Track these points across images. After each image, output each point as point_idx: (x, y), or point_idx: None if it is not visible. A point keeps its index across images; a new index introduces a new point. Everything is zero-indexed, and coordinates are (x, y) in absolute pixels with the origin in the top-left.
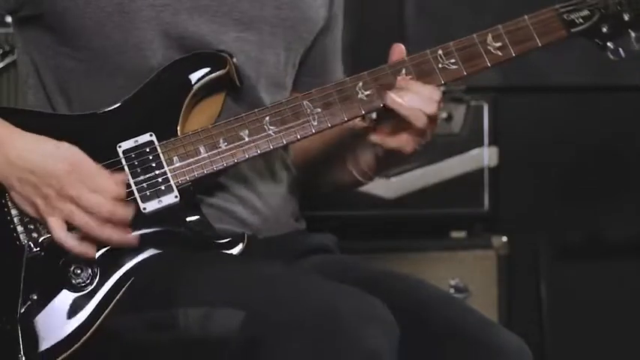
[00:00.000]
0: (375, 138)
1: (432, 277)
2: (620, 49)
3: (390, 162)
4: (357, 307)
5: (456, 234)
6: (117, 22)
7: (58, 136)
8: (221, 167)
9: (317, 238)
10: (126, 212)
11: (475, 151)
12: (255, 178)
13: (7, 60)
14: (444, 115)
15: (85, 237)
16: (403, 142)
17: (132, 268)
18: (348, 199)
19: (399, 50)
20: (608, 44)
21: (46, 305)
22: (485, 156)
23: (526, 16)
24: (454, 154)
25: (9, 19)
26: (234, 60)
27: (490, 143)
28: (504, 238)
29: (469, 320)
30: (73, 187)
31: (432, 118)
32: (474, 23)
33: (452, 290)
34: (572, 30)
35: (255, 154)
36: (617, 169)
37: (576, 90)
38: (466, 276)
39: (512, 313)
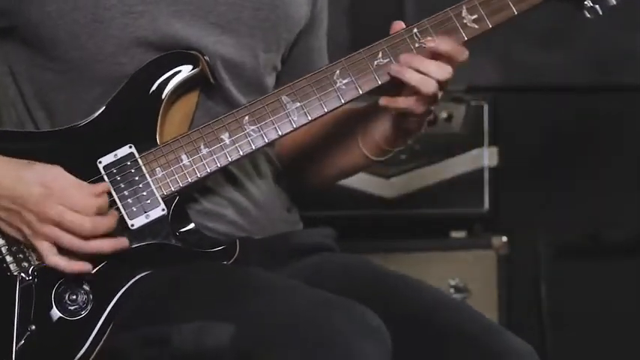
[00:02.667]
0: (382, 101)
1: (432, 277)
2: (597, 6)
3: (405, 129)
4: (348, 319)
5: (456, 234)
6: (91, 33)
7: (36, 156)
8: (205, 174)
9: (315, 236)
10: (109, 223)
11: (475, 151)
12: (241, 177)
13: None
14: (444, 115)
15: (77, 255)
16: (412, 103)
17: (126, 287)
18: (348, 199)
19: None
20: (585, 2)
21: (45, 335)
22: (486, 156)
23: None
24: (454, 154)
25: None
26: (206, 57)
27: (490, 143)
28: (504, 238)
29: (474, 325)
30: (52, 209)
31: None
32: None
33: (452, 290)
34: None
35: (238, 156)
36: (617, 169)
37: (576, 90)
38: (466, 276)
39: (512, 313)
